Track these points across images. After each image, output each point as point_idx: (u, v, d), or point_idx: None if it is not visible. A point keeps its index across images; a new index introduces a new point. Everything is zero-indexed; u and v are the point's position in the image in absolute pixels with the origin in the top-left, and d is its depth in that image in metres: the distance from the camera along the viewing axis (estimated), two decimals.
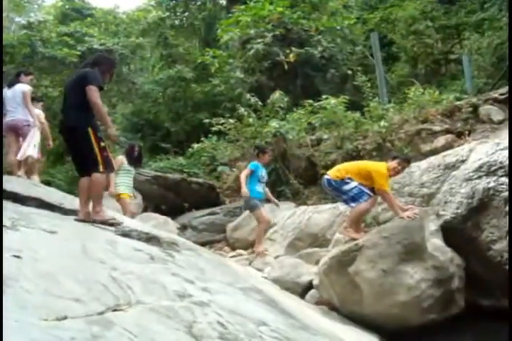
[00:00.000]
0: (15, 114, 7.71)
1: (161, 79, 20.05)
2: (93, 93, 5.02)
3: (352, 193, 6.00)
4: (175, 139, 19.49)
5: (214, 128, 12.98)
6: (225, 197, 12.99)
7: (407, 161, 6.20)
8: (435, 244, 5.51)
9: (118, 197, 8.31)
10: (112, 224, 5.07)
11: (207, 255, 5.44)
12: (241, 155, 13.39)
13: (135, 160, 8.64)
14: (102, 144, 5.17)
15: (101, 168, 5.12)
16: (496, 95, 11.44)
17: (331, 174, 6.21)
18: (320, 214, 8.53)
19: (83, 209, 5.14)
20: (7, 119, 7.70)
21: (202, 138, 15.16)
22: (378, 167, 6.05)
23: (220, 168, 14.15)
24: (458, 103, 11.71)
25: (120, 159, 8.52)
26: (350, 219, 6.17)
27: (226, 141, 14.14)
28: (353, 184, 5.99)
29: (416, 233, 5.53)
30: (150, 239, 4.83)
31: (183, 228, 11.11)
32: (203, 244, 9.26)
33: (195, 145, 14.87)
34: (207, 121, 13.49)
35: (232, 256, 8.92)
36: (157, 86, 20.11)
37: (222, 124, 12.68)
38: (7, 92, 7.81)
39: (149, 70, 22.34)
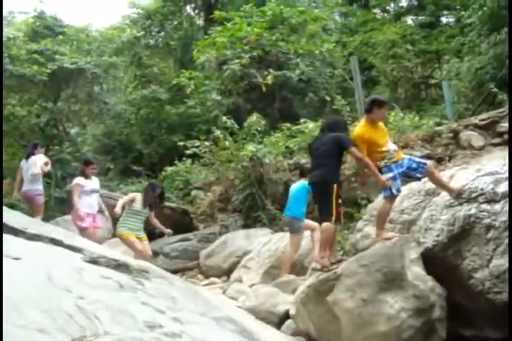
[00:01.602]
0: (28, 185, 9.19)
1: (135, 100, 20.08)
2: (356, 153, 6.14)
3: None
4: (147, 162, 19.43)
5: (188, 151, 12.98)
6: (199, 222, 12.93)
7: (386, 103, 6.30)
8: (416, 272, 5.53)
9: (121, 238, 8.14)
10: (327, 271, 5.83)
11: (179, 283, 5.37)
12: (216, 179, 13.39)
13: (152, 201, 8.36)
14: (340, 201, 6.13)
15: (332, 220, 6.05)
16: (477, 121, 11.64)
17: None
18: None
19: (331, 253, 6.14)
20: (23, 189, 9.31)
21: (175, 161, 15.12)
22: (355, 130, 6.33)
23: (193, 192, 14.10)
24: (438, 128, 11.88)
25: (133, 196, 8.28)
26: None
27: (201, 165, 14.14)
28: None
29: (396, 261, 5.54)
30: (119, 266, 4.75)
31: (154, 255, 10.98)
32: (174, 272, 9.15)
33: (169, 169, 14.84)
34: (181, 143, 13.49)
35: (205, 285, 8.86)
36: (130, 106, 20.12)
37: (197, 147, 12.69)
38: (24, 164, 9.34)
39: (122, 90, 22.35)
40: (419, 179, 6.36)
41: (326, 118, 7.53)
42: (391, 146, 6.25)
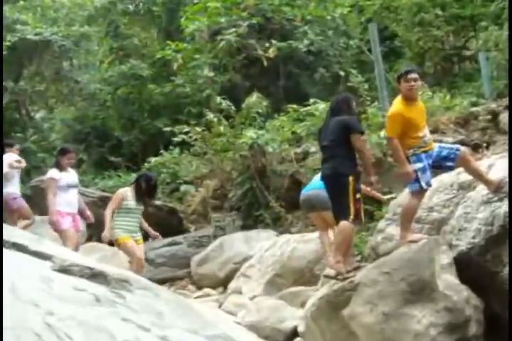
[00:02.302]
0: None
1: (111, 77, 20.02)
2: (359, 142, 6.35)
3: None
4: (127, 151, 19.41)
5: (176, 139, 12.98)
6: (190, 223, 12.96)
7: (407, 73, 6.28)
8: (447, 280, 5.55)
9: (117, 244, 8.14)
10: (342, 279, 5.91)
11: (166, 295, 5.39)
12: (209, 171, 13.40)
13: (145, 195, 8.30)
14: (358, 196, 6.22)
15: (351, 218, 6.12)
16: None
17: None
18: (306, 245, 8.53)
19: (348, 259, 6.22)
20: None
21: (161, 151, 15.13)
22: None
23: (183, 188, 14.12)
24: (474, 109, 11.86)
25: (122, 193, 8.23)
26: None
27: (191, 154, 14.14)
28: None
29: (424, 267, 5.56)
30: (95, 275, 4.78)
31: None
32: (161, 282, 9.17)
33: (153, 159, 14.84)
34: (167, 129, 13.47)
35: (197, 297, 8.90)
36: (106, 85, 20.07)
37: (186, 133, 12.68)
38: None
39: (96, 66, 22.30)
40: (451, 168, 6.37)
41: (332, 98, 7.47)
42: (428, 133, 6.27)
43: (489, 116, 11.35)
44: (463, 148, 6.36)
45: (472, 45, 19.18)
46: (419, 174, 5.99)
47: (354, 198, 6.14)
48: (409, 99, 6.15)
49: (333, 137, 6.37)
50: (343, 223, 6.09)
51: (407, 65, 18.33)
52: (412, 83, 6.17)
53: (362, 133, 6.58)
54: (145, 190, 8.20)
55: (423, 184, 5.99)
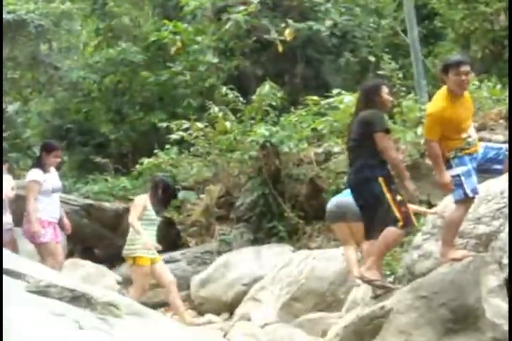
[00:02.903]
0: None
1: (97, 64, 20.04)
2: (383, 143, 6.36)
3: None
4: (116, 151, 19.45)
5: (174, 136, 13.00)
6: (190, 236, 12.97)
7: (458, 64, 6.24)
8: (497, 306, 5.53)
9: (134, 263, 8.20)
10: (380, 287, 6.19)
11: (163, 322, 5.41)
12: (213, 175, 13.41)
13: (162, 204, 8.46)
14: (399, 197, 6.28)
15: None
16: None
17: None
18: (329, 263, 8.54)
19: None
20: None
21: (156, 150, 15.16)
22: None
23: (181, 194, 14.13)
24: None
25: (143, 201, 8.27)
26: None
27: (191, 155, 14.15)
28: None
29: (468, 291, 5.55)
30: (77, 298, 4.79)
31: (126, 282, 11.03)
32: (156, 306, 9.19)
33: (146, 161, 14.86)
34: (163, 125, 13.49)
35: (198, 324, 8.89)
36: (90, 73, 20.09)
37: (185, 130, 12.70)
38: None
39: (80, 50, 22.36)
40: (500, 172, 6.36)
41: (360, 86, 7.62)
42: (473, 132, 6.26)
43: None
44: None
45: None
46: (463, 179, 5.98)
47: (395, 201, 6.18)
48: (456, 95, 6.13)
49: (355, 136, 6.47)
50: (390, 228, 6.11)
51: (457, 53, 18.33)
52: (463, 77, 6.13)
53: (387, 131, 6.57)
54: (162, 198, 8.29)
55: (468, 191, 5.97)
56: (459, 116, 6.08)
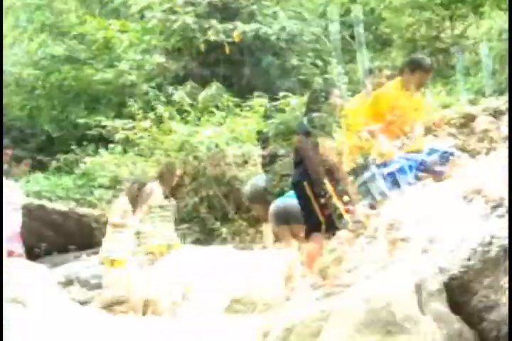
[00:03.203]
0: None
1: (42, 60, 19.82)
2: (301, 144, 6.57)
3: None
4: (59, 150, 19.22)
5: (118, 135, 12.91)
6: None
7: (427, 68, 6.31)
8: (436, 310, 5.58)
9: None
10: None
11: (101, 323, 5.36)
12: (158, 175, 13.33)
13: (176, 186, 8.31)
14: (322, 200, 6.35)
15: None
16: None
17: None
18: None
19: None
20: None
21: (100, 150, 15.03)
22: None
23: None
24: (472, 108, 12.01)
25: (149, 189, 8.16)
26: None
27: (136, 154, 14.06)
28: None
29: (409, 294, 5.59)
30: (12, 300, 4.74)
31: (67, 283, 10.92)
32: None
33: (90, 160, 14.72)
34: (108, 124, 13.39)
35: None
36: (35, 69, 19.86)
37: (131, 129, 12.62)
38: None
39: (24, 47, 22.07)
40: (441, 174, 6.47)
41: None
42: (418, 130, 6.32)
43: (491, 118, 11.48)
44: (458, 152, 6.44)
45: (473, 32, 19.44)
46: (369, 185, 6.07)
47: (319, 203, 6.34)
48: (408, 89, 6.20)
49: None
50: (314, 235, 6.35)
51: (390, 58, 18.57)
52: (424, 82, 6.26)
53: (305, 133, 6.68)
54: (173, 180, 8.21)
55: (376, 195, 6.06)
56: (402, 110, 6.14)
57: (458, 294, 5.81)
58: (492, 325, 5.72)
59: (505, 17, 16.34)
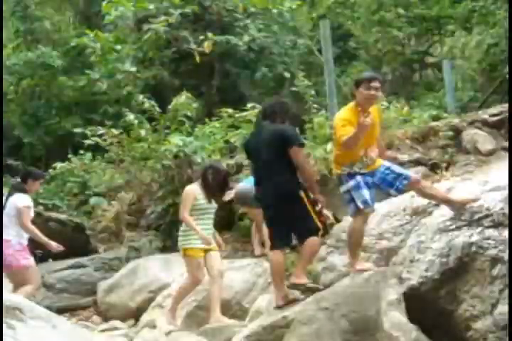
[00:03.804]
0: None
1: (15, 66, 19.65)
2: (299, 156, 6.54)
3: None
4: (28, 154, 19.07)
5: (88, 142, 12.81)
6: (99, 242, 12.78)
7: (370, 79, 6.36)
8: (395, 319, 5.61)
9: (186, 254, 8.00)
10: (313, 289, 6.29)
11: (64, 327, 5.31)
12: (125, 182, 13.26)
13: (215, 191, 8.17)
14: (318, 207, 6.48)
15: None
16: (486, 116, 11.91)
17: None
18: (236, 273, 8.55)
19: (280, 292, 6.46)
20: None
21: (69, 155, 14.92)
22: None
23: (93, 200, 13.94)
24: (434, 124, 12.09)
25: (192, 191, 8.04)
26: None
27: (105, 161, 13.98)
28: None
29: (368, 304, 5.62)
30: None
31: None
32: (61, 311, 9.05)
33: (59, 165, 14.61)
34: (78, 130, 13.29)
35: (103, 330, 8.77)
36: (7, 74, 19.69)
37: (100, 136, 12.53)
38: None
39: None
40: (390, 195, 6.54)
41: (264, 104, 7.62)
42: (374, 153, 6.34)
43: (451, 133, 11.58)
44: (414, 177, 6.41)
45: (436, 50, 19.65)
46: (353, 193, 6.10)
47: (314, 210, 6.41)
48: (363, 109, 6.21)
49: (272, 150, 6.48)
50: (314, 239, 6.35)
51: (369, 70, 18.67)
52: (373, 92, 6.26)
53: (302, 145, 6.74)
54: (214, 185, 8.05)
55: (359, 203, 6.09)
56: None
57: (416, 304, 5.86)
58: (448, 330, 5.79)
59: (469, 36, 16.56)
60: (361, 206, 6.09)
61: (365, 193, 6.11)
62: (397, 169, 6.46)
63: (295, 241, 6.79)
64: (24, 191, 8.74)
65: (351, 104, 6.36)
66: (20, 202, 8.52)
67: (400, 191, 6.33)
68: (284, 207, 6.44)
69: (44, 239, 8.71)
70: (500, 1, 15.86)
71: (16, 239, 8.36)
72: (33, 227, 8.53)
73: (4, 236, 8.27)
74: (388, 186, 6.27)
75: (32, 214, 8.68)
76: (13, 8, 21.16)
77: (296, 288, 6.46)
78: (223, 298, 8.09)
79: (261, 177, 6.69)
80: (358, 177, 6.12)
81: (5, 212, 8.48)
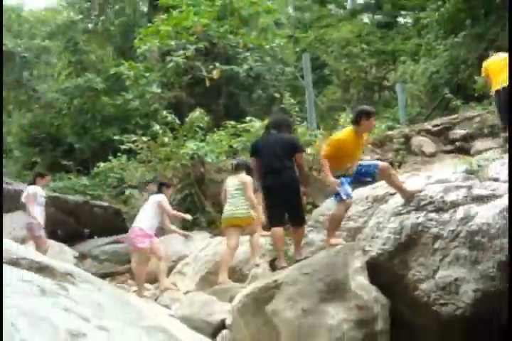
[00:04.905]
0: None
1: (67, 88, 19.67)
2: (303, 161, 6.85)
3: None
4: (78, 156, 19.09)
5: (124, 147, 12.80)
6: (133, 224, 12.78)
7: (373, 114, 6.42)
8: (359, 282, 5.62)
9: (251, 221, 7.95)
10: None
11: (107, 289, 5.29)
12: (153, 177, 13.26)
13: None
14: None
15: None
16: (429, 126, 11.95)
17: None
18: (240, 246, 8.52)
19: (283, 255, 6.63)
20: None
21: (110, 157, 14.92)
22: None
23: (128, 191, 13.93)
24: (390, 132, 12.13)
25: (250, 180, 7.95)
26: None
27: (137, 161, 13.97)
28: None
29: (339, 270, 5.62)
30: (42, 268, 4.64)
31: (81, 257, 10.81)
32: (103, 276, 9.04)
33: (102, 164, 14.61)
34: (116, 138, 13.30)
35: (136, 291, 8.75)
36: (62, 95, 19.69)
37: (133, 142, 12.52)
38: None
39: (54, 77, 21.88)
40: (371, 182, 6.56)
41: (272, 117, 7.86)
42: (355, 164, 6.40)
43: (402, 139, 11.61)
44: (382, 163, 6.49)
45: (391, 76, 19.66)
46: (339, 188, 6.13)
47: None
48: (359, 136, 6.31)
49: (284, 151, 6.60)
50: (303, 228, 6.67)
51: (340, 92, 18.65)
52: (374, 123, 6.45)
53: (303, 151, 7.21)
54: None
55: (342, 195, 6.12)
56: (352, 151, 6.27)
57: (376, 270, 5.87)
58: (400, 290, 5.79)
59: (416, 65, 16.56)
60: (344, 197, 6.12)
61: (348, 188, 6.15)
62: (367, 162, 6.76)
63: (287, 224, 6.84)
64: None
65: (351, 128, 6.36)
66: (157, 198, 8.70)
67: (374, 177, 6.37)
68: (286, 195, 6.51)
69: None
70: (440, 38, 15.88)
71: (139, 225, 8.43)
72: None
73: (134, 224, 8.50)
74: (365, 176, 6.34)
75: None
76: (65, 44, 21.17)
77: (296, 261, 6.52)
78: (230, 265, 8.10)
79: (269, 171, 6.63)
80: (342, 178, 6.16)
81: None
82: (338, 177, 6.18)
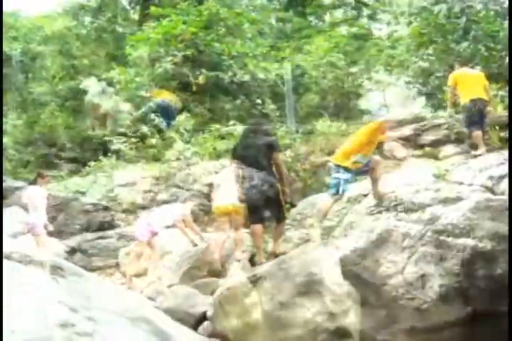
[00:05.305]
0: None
1: (61, 91, 19.52)
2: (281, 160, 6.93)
3: None
4: (71, 156, 18.91)
5: (114, 147, 12.73)
6: (121, 220, 12.69)
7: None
8: (333, 277, 5.64)
9: None
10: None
11: (95, 281, 5.27)
12: (141, 177, 13.20)
13: None
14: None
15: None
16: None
17: None
18: None
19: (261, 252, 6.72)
20: None
21: (100, 157, 14.82)
22: None
23: (117, 190, 13.83)
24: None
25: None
26: None
27: (126, 161, 13.90)
28: None
29: (315, 266, 5.64)
30: (32, 262, 4.61)
31: (71, 251, 10.70)
32: (92, 270, 8.96)
33: (92, 164, 14.50)
34: (107, 138, 13.22)
35: (123, 283, 8.70)
36: (56, 97, 19.53)
37: (123, 143, 12.46)
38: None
39: (49, 80, 21.70)
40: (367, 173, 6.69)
41: (250, 122, 7.99)
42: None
43: None
44: (376, 158, 6.62)
45: (368, 84, 19.76)
46: (342, 183, 6.23)
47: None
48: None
49: (262, 152, 6.68)
50: (283, 225, 6.77)
51: (318, 99, 18.72)
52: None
53: (280, 151, 7.24)
54: None
55: (340, 190, 6.22)
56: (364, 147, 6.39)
57: (348, 266, 5.90)
58: (371, 285, 5.82)
59: (389, 76, 16.66)
60: (341, 193, 6.23)
61: (347, 186, 6.27)
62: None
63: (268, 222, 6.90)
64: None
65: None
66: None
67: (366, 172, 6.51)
68: (265, 193, 6.56)
69: None
70: (412, 50, 15.98)
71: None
72: None
73: None
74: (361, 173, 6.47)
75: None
76: (60, 49, 21.02)
77: (275, 255, 6.57)
78: (209, 260, 8.10)
79: (248, 172, 6.70)
80: (349, 174, 6.26)
81: None
82: (338, 170, 6.26)
